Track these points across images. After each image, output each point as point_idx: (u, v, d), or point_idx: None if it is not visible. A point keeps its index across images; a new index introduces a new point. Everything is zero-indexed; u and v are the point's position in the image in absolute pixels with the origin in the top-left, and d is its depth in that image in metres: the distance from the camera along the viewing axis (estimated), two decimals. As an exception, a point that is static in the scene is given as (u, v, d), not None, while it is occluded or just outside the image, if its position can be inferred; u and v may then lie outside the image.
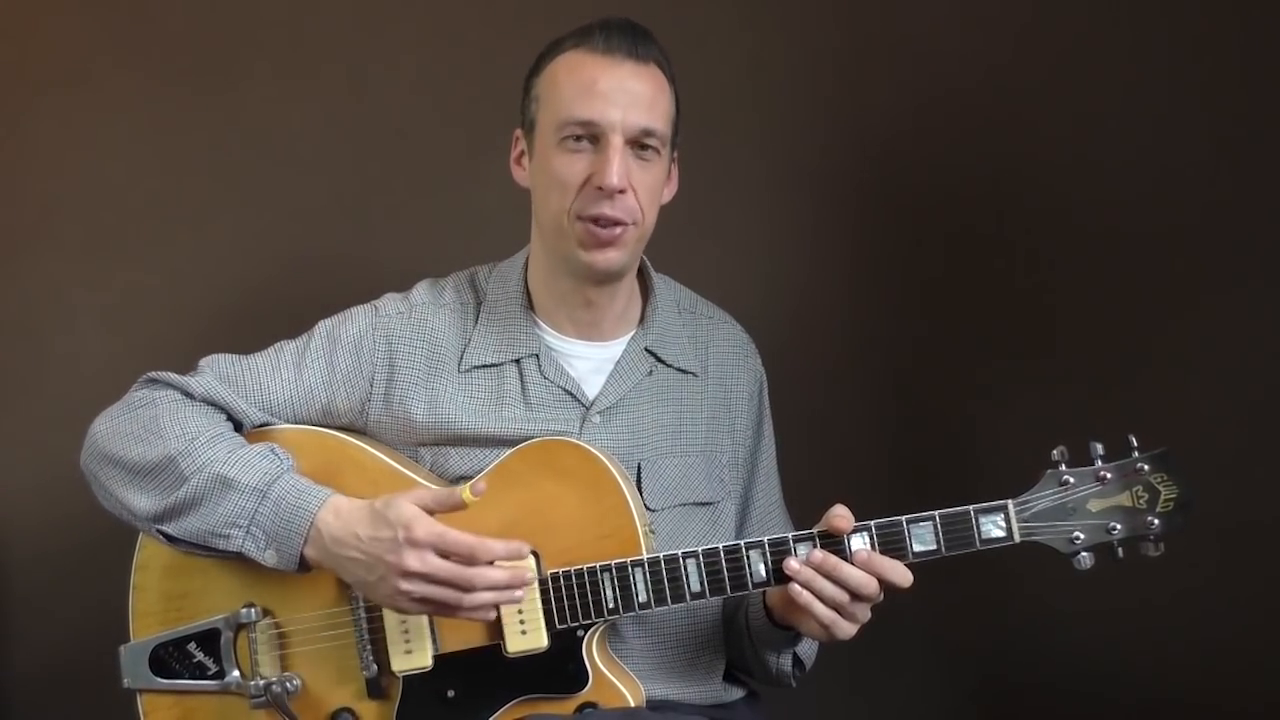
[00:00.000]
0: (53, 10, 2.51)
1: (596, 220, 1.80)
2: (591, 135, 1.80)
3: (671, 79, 1.86)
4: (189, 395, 1.86)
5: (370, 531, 1.70)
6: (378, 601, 1.76)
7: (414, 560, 1.68)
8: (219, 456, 1.78)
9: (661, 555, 1.74)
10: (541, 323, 1.92)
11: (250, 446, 1.81)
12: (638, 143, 1.80)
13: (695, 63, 2.31)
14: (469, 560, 1.68)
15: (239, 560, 1.79)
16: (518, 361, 1.90)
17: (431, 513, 1.70)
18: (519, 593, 1.71)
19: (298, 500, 1.75)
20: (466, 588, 1.69)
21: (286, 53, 2.52)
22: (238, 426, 1.87)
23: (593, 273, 1.84)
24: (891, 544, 1.70)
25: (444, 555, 1.68)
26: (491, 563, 1.69)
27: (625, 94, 1.79)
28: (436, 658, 1.78)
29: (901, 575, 1.69)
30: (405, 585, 1.69)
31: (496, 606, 1.72)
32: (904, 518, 1.70)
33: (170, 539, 1.80)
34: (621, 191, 1.79)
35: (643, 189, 1.81)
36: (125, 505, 1.82)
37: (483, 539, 1.69)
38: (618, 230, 1.80)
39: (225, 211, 2.51)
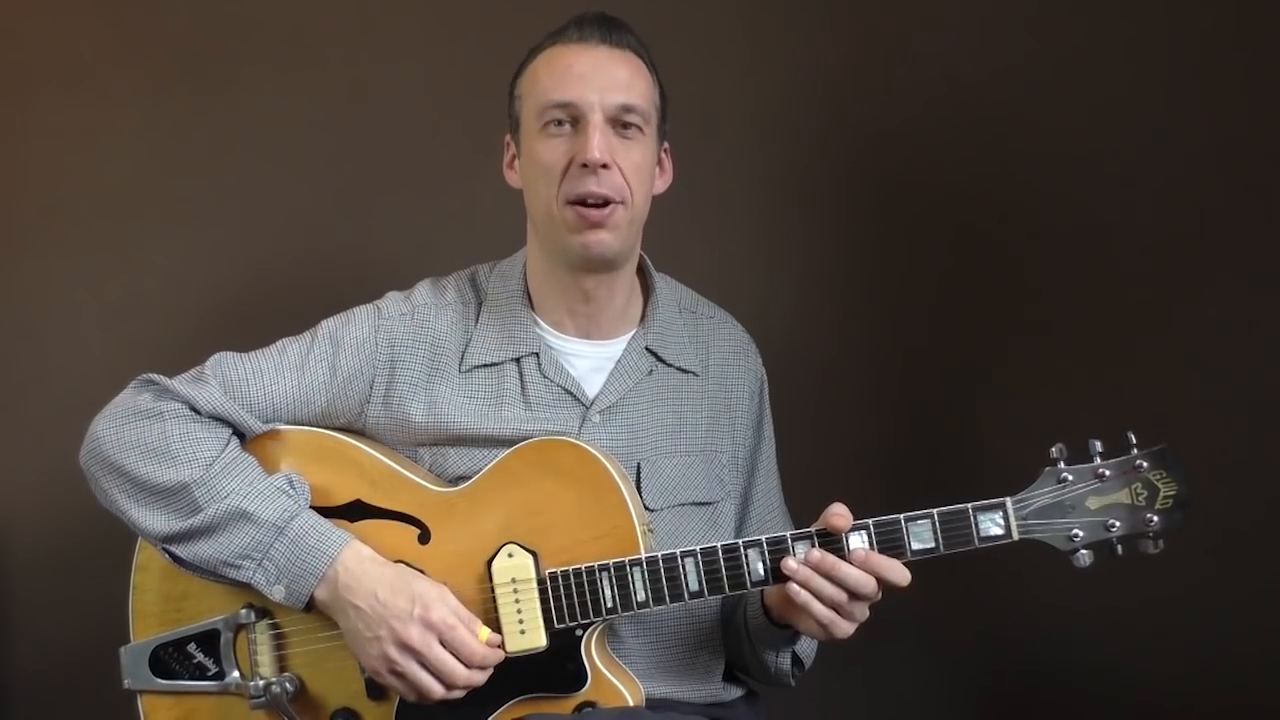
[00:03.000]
0: (53, 10, 2.51)
1: (584, 200, 1.80)
2: (572, 117, 1.81)
3: (651, 65, 1.87)
4: (195, 409, 1.85)
5: (388, 596, 1.73)
6: (359, 656, 1.77)
7: (416, 635, 1.71)
8: (236, 488, 1.78)
9: (660, 554, 1.74)
10: (542, 321, 1.91)
11: (268, 479, 1.81)
12: (619, 120, 1.81)
13: (693, 63, 2.32)
14: (465, 662, 1.72)
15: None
16: (518, 360, 1.90)
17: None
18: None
19: (317, 542, 1.76)
20: (449, 684, 1.72)
21: (286, 52, 2.51)
22: (242, 436, 1.87)
23: (587, 257, 1.83)
24: (890, 542, 1.70)
25: (443, 644, 1.72)
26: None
27: (601, 74, 1.81)
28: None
29: (900, 574, 1.69)
30: (396, 655, 1.72)
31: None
32: (902, 516, 1.70)
33: (176, 559, 1.81)
34: (605, 166, 1.79)
35: (628, 166, 1.81)
36: (128, 517, 1.82)
37: (490, 649, 1.73)
38: (606, 210, 1.80)
39: (225, 211, 2.51)
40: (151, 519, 1.80)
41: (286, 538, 1.76)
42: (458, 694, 1.74)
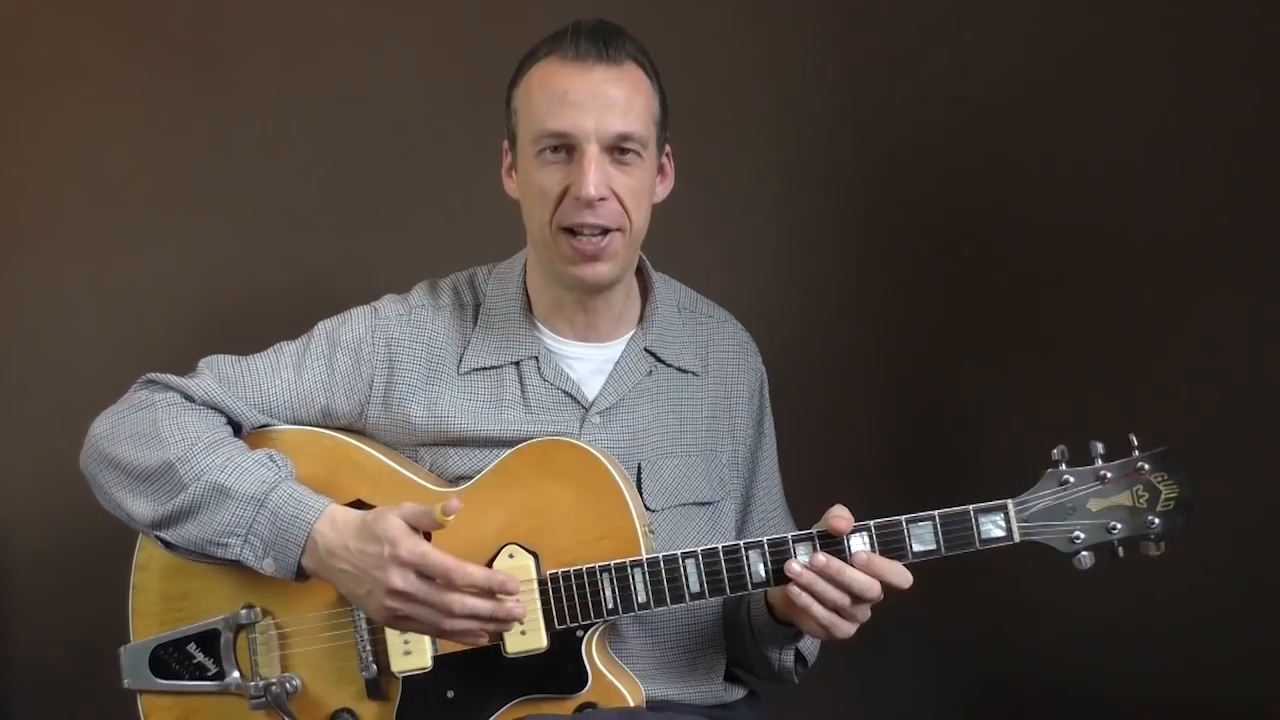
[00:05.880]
0: (53, 9, 2.51)
1: (578, 230, 1.78)
2: (566, 146, 1.77)
3: (653, 74, 1.83)
4: (188, 398, 1.85)
5: (359, 545, 1.70)
6: (370, 615, 1.76)
7: (397, 578, 1.67)
8: (216, 464, 1.77)
9: (661, 556, 1.74)
10: (540, 325, 1.91)
11: (249, 453, 1.80)
12: (615, 148, 1.78)
13: (698, 63, 2.32)
14: (445, 584, 1.67)
15: (238, 564, 1.80)
16: (517, 364, 1.90)
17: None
18: (492, 626, 1.70)
19: (295, 510, 1.74)
20: (445, 612, 1.68)
21: (286, 52, 2.51)
22: (237, 429, 1.87)
23: (582, 286, 1.83)
24: (891, 544, 1.69)
25: (425, 577, 1.68)
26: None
27: (597, 100, 1.76)
28: (436, 658, 1.78)
29: (901, 576, 1.69)
30: (390, 603, 1.69)
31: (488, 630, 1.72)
32: (903, 518, 1.70)
33: (169, 545, 1.80)
34: (602, 199, 1.77)
35: (625, 193, 1.79)
36: (124, 509, 1.82)
37: (462, 564, 1.67)
38: (603, 241, 1.79)
39: (225, 211, 2.51)
40: (141, 505, 1.79)
41: (267, 510, 1.75)
42: (464, 625, 1.68)
